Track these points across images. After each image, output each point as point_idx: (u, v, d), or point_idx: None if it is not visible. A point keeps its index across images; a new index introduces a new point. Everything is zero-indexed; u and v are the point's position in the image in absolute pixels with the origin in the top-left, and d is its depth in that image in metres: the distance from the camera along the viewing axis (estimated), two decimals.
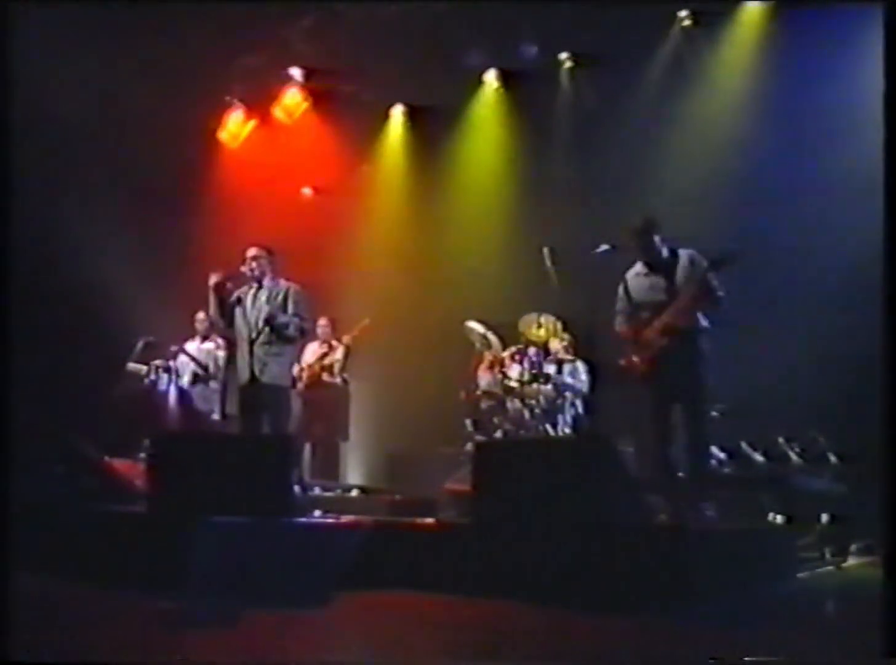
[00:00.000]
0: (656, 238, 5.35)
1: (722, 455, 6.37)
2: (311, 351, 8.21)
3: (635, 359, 5.32)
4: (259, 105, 9.90)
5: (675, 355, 5.15)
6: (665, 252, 5.36)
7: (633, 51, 8.24)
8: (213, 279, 6.19)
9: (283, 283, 6.29)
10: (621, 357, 5.50)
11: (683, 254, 5.32)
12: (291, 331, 6.16)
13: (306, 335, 6.62)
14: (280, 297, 6.21)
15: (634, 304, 5.41)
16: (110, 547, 4.61)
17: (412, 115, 9.84)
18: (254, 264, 6.26)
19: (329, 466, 8.38)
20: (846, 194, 6.51)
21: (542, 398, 7.24)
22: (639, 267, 5.45)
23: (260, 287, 6.26)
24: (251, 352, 6.11)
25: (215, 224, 9.17)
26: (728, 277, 5.22)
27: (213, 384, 8.11)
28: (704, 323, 5.25)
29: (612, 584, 3.93)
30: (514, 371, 7.40)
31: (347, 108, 9.53)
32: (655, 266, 5.35)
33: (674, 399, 5.28)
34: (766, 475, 6.29)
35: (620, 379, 5.71)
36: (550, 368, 7.41)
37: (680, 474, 5.38)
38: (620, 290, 5.53)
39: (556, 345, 7.59)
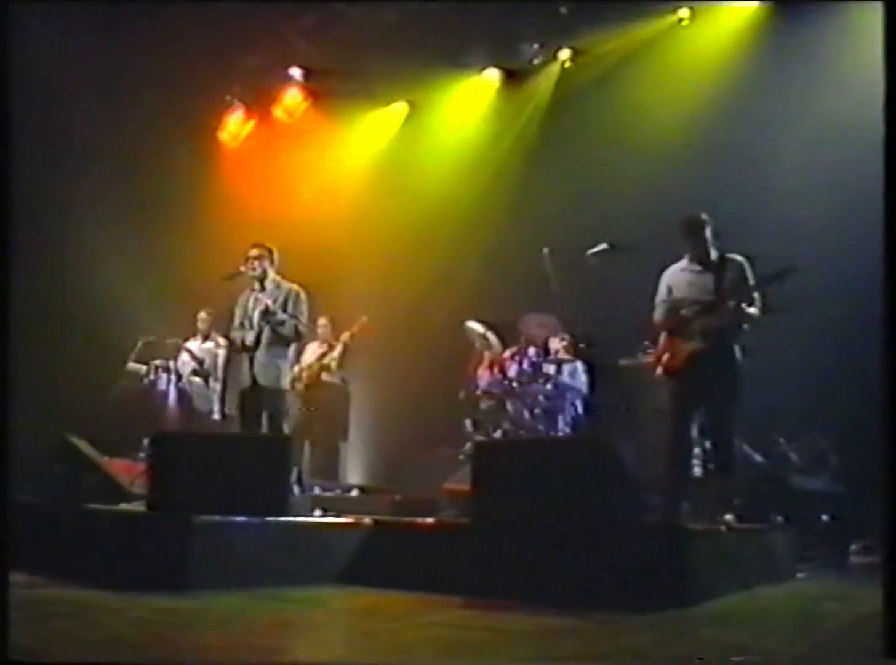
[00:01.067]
0: (708, 236, 5.28)
1: None
2: (311, 351, 8.22)
3: (669, 356, 5.27)
4: (259, 105, 9.90)
5: (710, 357, 5.11)
6: (714, 253, 5.29)
7: (633, 50, 8.25)
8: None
9: (285, 285, 6.27)
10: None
11: (735, 259, 5.25)
12: (286, 329, 6.13)
13: (302, 338, 6.58)
14: (280, 300, 6.19)
15: (675, 300, 5.34)
16: (110, 547, 4.61)
17: (412, 115, 9.84)
18: (255, 264, 6.24)
19: (329, 466, 8.38)
20: (846, 195, 6.50)
21: (541, 398, 7.24)
22: (685, 263, 5.38)
23: (262, 288, 6.25)
24: (251, 355, 6.11)
25: (215, 223, 9.17)
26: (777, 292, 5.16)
27: (214, 384, 8.12)
28: (744, 328, 5.20)
29: (612, 584, 3.93)
30: (513, 371, 7.40)
31: (347, 108, 9.54)
32: (704, 265, 5.28)
33: (702, 400, 5.23)
34: (766, 475, 6.29)
35: (620, 379, 5.72)
36: (550, 368, 7.41)
37: (691, 474, 5.38)
38: (662, 284, 5.44)
39: (556, 345, 7.59)
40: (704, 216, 5.34)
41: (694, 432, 5.35)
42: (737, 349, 5.20)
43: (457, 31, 8.38)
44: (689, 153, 7.59)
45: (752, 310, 5.16)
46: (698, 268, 5.31)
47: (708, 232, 5.29)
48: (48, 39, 7.50)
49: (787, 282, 5.01)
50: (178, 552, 4.35)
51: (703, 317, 5.17)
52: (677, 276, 5.40)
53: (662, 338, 5.38)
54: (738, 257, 5.26)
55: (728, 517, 5.03)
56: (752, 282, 5.17)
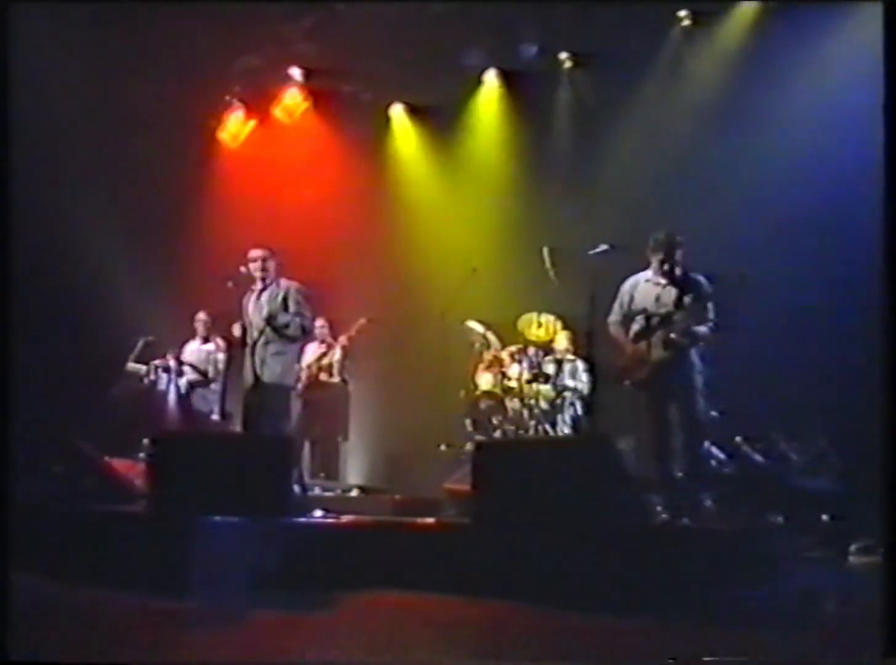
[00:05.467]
0: (678, 257, 5.46)
1: (722, 455, 6.37)
2: (311, 351, 8.21)
3: (631, 369, 5.47)
4: (259, 105, 9.89)
5: (673, 365, 5.31)
6: (679, 270, 5.47)
7: (633, 51, 8.24)
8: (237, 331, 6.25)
9: (283, 282, 6.29)
10: (619, 359, 5.57)
11: (697, 278, 5.45)
12: (291, 330, 6.15)
13: (308, 333, 6.58)
14: (280, 298, 6.20)
15: (635, 310, 5.50)
16: (110, 547, 4.61)
17: (412, 115, 9.83)
18: (255, 266, 6.25)
19: (329, 466, 8.38)
20: (846, 195, 6.51)
21: (541, 398, 7.24)
22: (650, 274, 5.55)
23: (263, 288, 6.26)
24: (252, 353, 6.11)
25: (215, 224, 9.17)
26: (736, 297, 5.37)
27: (214, 385, 8.12)
28: (703, 335, 5.35)
29: (612, 584, 3.93)
30: (513, 371, 7.40)
31: (347, 108, 9.53)
32: (669, 280, 5.45)
33: (669, 404, 5.40)
34: (766, 475, 6.29)
35: (620, 379, 5.73)
36: (550, 368, 7.42)
37: (678, 474, 5.42)
38: (624, 293, 5.60)
39: (556, 344, 7.59)
40: (679, 238, 5.52)
41: (673, 437, 5.43)
42: (696, 358, 5.38)
43: (457, 32, 8.37)
44: (689, 154, 7.59)
45: (704, 327, 5.35)
46: (663, 281, 5.48)
47: (679, 253, 5.48)
48: (47, 39, 7.50)
49: (743, 290, 5.23)
50: (178, 552, 4.35)
51: (664, 327, 5.34)
52: (641, 287, 5.57)
53: (628, 349, 5.52)
54: (700, 277, 5.45)
55: (705, 516, 5.08)
56: (709, 299, 5.38)
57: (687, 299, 5.36)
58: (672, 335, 5.29)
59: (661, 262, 5.47)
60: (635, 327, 5.49)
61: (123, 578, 4.23)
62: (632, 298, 5.56)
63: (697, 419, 5.42)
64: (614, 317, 5.63)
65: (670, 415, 5.41)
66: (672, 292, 5.41)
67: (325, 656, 3.11)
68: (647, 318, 5.44)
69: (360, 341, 8.14)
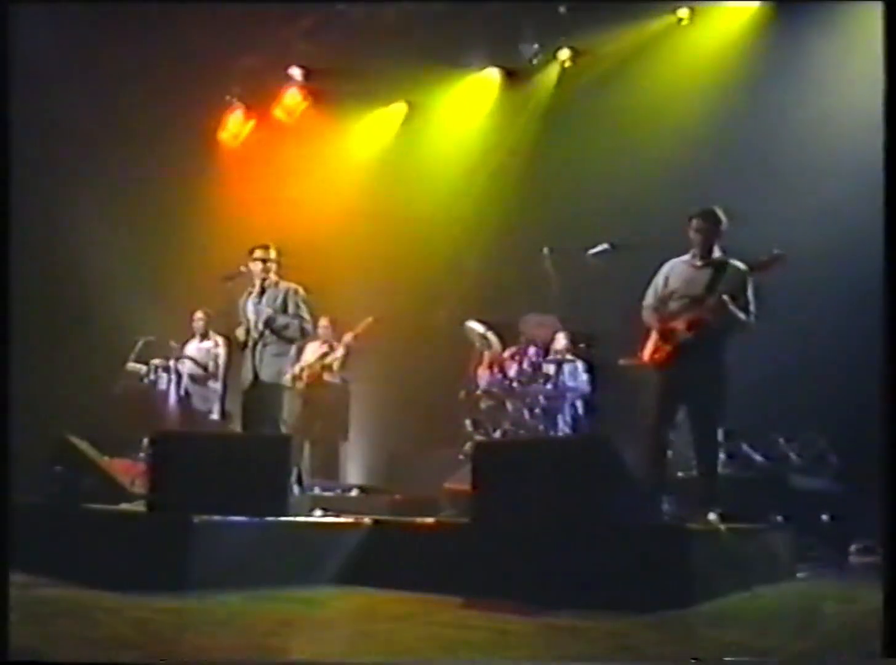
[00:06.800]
0: (719, 234, 5.27)
1: (722, 455, 6.36)
2: (312, 351, 8.22)
3: (654, 349, 5.26)
4: (259, 105, 9.91)
5: (697, 351, 5.09)
6: (717, 252, 5.29)
7: (634, 49, 8.25)
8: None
9: (283, 284, 6.30)
10: (635, 349, 5.43)
11: (737, 265, 5.24)
12: (290, 331, 6.18)
13: (308, 335, 6.61)
14: (280, 300, 6.21)
15: (667, 292, 5.33)
16: (110, 547, 4.61)
17: (412, 115, 9.84)
18: (258, 265, 6.26)
19: (329, 466, 8.38)
20: (846, 195, 6.51)
21: (541, 398, 7.24)
22: (688, 256, 5.36)
23: (263, 289, 6.28)
24: (252, 353, 6.13)
25: (215, 224, 9.18)
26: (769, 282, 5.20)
27: (213, 384, 8.13)
28: (736, 323, 5.16)
29: (612, 584, 3.93)
30: (513, 371, 7.40)
31: (347, 107, 9.55)
32: (705, 261, 5.27)
33: (685, 396, 5.20)
34: (766, 475, 6.29)
35: (620, 379, 5.71)
36: (550, 368, 7.41)
37: (680, 474, 5.38)
38: (660, 275, 5.43)
39: (556, 344, 7.59)
40: (722, 214, 5.32)
41: (672, 430, 5.28)
42: (725, 346, 5.19)
43: (457, 31, 8.39)
44: (688, 153, 7.59)
45: (741, 314, 5.14)
46: (699, 263, 5.29)
47: (721, 229, 5.28)
48: (48, 39, 7.51)
49: (777, 270, 5.02)
50: (178, 552, 4.35)
51: (691, 309, 5.16)
52: (677, 268, 5.39)
53: (657, 331, 5.33)
54: (741, 264, 5.23)
55: (711, 517, 5.00)
56: (749, 290, 5.15)
57: (721, 283, 5.13)
58: (700, 316, 5.08)
59: (704, 241, 5.24)
60: (666, 310, 5.29)
61: (123, 578, 4.22)
62: (666, 281, 5.36)
63: (711, 411, 5.18)
64: (648, 301, 5.43)
65: (681, 401, 5.19)
66: (707, 274, 5.21)
67: (324, 656, 3.11)
68: (679, 300, 5.25)
69: (362, 341, 8.15)
